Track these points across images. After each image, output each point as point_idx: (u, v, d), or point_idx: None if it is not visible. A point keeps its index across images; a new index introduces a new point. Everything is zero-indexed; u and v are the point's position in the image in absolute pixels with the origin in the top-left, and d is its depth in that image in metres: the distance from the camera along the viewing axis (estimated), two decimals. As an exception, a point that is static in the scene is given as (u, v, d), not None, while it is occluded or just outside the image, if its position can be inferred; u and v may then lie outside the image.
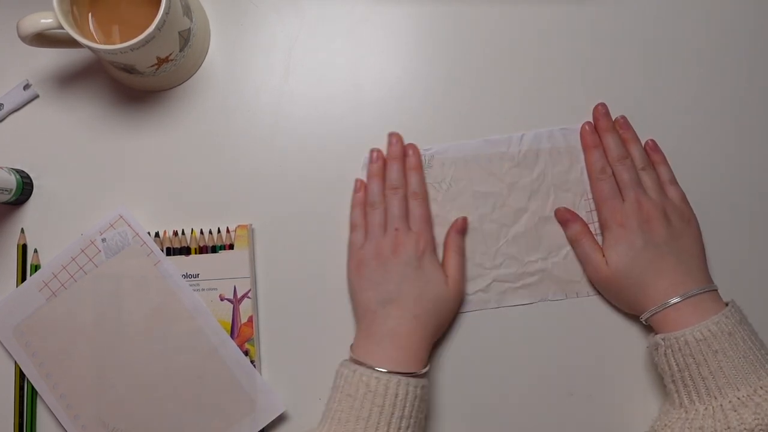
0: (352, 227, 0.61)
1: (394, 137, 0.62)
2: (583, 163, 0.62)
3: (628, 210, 0.58)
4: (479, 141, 0.62)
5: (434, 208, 0.62)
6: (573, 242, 0.61)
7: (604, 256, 0.59)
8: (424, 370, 0.55)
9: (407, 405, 0.52)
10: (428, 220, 0.60)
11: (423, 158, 0.62)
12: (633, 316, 0.61)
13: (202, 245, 0.61)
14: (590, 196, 0.62)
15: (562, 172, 0.62)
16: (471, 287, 0.61)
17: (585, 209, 0.62)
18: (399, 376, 0.53)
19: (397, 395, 0.52)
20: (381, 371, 0.53)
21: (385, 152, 0.62)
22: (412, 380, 0.53)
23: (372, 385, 0.52)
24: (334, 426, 0.52)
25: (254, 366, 0.60)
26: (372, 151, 0.62)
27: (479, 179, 0.62)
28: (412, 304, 0.56)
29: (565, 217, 0.61)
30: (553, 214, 0.62)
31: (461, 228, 0.61)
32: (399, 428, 0.52)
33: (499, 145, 0.62)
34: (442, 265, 0.60)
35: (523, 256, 0.61)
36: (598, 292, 0.61)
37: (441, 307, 0.58)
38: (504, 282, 0.61)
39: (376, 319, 0.56)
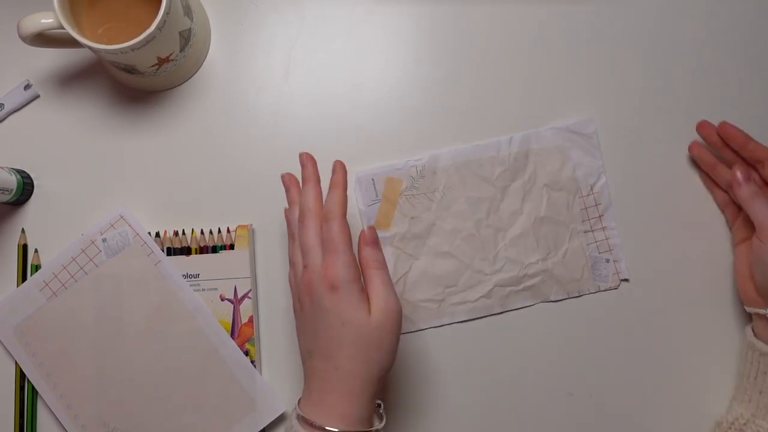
0: (290, 261, 0.56)
1: (304, 157, 0.55)
2: (574, 161, 0.62)
3: None
4: (469, 147, 0.62)
5: (429, 218, 0.62)
6: (749, 200, 0.56)
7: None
8: (373, 429, 0.50)
9: None
10: (342, 242, 0.50)
11: (414, 169, 0.62)
12: (635, 314, 0.61)
13: (202, 245, 0.61)
14: (584, 193, 0.62)
15: (554, 171, 0.62)
16: (473, 294, 0.61)
17: (579, 206, 0.62)
18: None
19: None
20: None
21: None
22: None
23: None
24: None
25: (254, 366, 0.60)
26: (282, 176, 0.56)
27: (472, 185, 0.62)
28: (332, 353, 0.50)
29: (737, 179, 0.57)
30: (548, 214, 0.61)
31: (370, 239, 0.52)
32: None
33: (489, 150, 0.62)
34: (365, 288, 0.51)
35: (523, 259, 0.61)
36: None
37: (365, 345, 0.49)
38: (506, 286, 0.61)
39: (308, 373, 0.52)
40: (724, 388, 0.60)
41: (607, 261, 0.61)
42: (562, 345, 0.61)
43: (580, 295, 0.61)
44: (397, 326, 0.51)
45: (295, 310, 0.54)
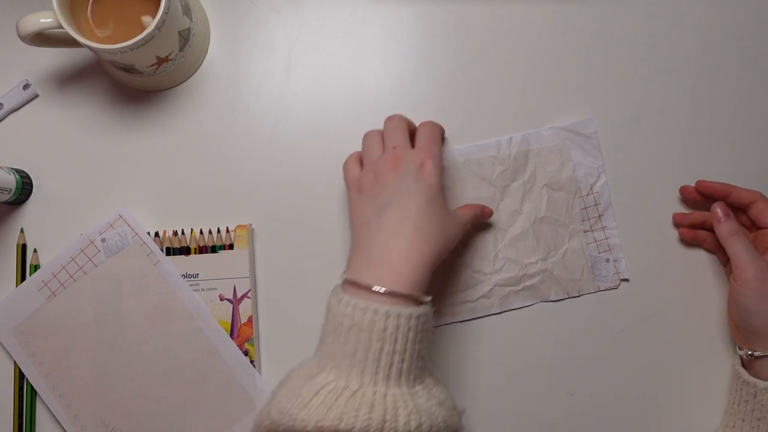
0: (345, 165, 0.57)
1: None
2: (574, 161, 0.62)
3: None
4: (468, 146, 0.62)
5: None
6: (728, 238, 0.56)
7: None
8: (426, 299, 0.48)
9: (399, 339, 0.45)
10: (436, 139, 0.54)
11: None
12: (635, 314, 0.61)
13: (201, 245, 0.61)
14: (584, 193, 0.62)
15: (554, 171, 0.62)
16: (473, 294, 0.61)
17: (579, 206, 0.62)
18: (388, 306, 0.45)
19: (385, 329, 0.45)
20: (366, 302, 0.45)
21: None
22: (404, 311, 0.45)
23: (357, 318, 0.45)
24: (324, 361, 0.47)
25: (254, 366, 0.60)
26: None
27: (472, 185, 0.62)
28: (413, 213, 0.49)
29: (717, 216, 0.57)
30: (548, 214, 0.61)
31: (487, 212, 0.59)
32: (390, 364, 0.45)
33: (489, 149, 0.62)
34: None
35: (523, 259, 0.61)
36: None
37: (447, 222, 0.51)
38: (505, 286, 0.61)
39: (368, 231, 0.50)
40: (723, 387, 0.60)
41: (607, 261, 0.61)
42: (562, 344, 0.61)
43: (580, 295, 0.61)
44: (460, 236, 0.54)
45: (358, 190, 0.53)
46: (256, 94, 0.64)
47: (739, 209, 0.59)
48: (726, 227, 0.56)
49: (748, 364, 0.56)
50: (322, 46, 0.64)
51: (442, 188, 0.52)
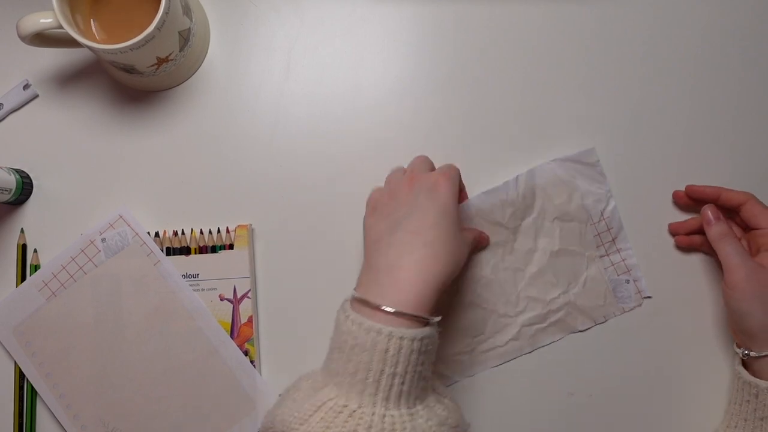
0: (371, 194, 0.56)
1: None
2: (582, 190, 0.61)
3: None
4: (479, 195, 0.61)
5: None
6: (718, 240, 0.56)
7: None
8: (434, 320, 0.47)
9: (400, 361, 0.45)
10: (454, 168, 0.54)
11: None
12: (630, 313, 0.61)
13: (202, 245, 0.61)
14: (595, 220, 0.61)
15: (562, 203, 0.61)
16: (501, 338, 0.60)
17: (592, 233, 0.61)
18: (391, 328, 0.45)
19: (387, 350, 0.44)
20: (370, 321, 0.45)
21: None
22: (407, 332, 0.45)
23: (360, 338, 0.45)
24: (327, 377, 0.47)
25: (254, 366, 0.60)
26: None
27: (486, 232, 0.61)
28: (424, 228, 0.48)
29: (707, 219, 0.57)
30: (562, 246, 0.60)
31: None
32: (390, 386, 0.45)
33: (498, 194, 0.61)
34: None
35: (544, 295, 0.61)
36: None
37: (458, 242, 0.50)
38: (532, 325, 0.61)
39: (380, 248, 0.49)
40: (722, 387, 0.60)
41: (627, 282, 0.61)
42: (563, 344, 0.61)
43: (606, 320, 0.61)
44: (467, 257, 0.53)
45: (373, 208, 0.53)
46: (256, 94, 0.64)
47: (731, 211, 0.59)
48: (716, 230, 0.56)
49: (747, 363, 0.56)
50: (322, 45, 0.64)
51: (456, 207, 0.51)
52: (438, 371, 0.60)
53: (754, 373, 0.55)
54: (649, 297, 0.61)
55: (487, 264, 0.61)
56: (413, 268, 0.47)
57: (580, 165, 0.61)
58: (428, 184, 0.51)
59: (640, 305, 0.61)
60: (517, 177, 0.61)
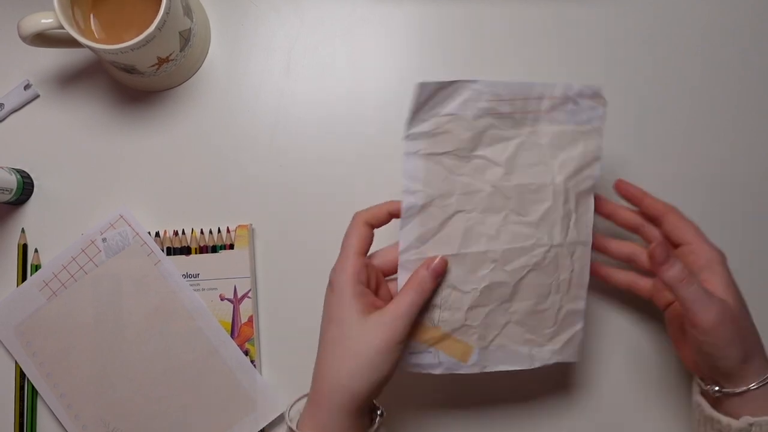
0: None
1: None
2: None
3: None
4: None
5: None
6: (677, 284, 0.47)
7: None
8: None
9: None
10: (347, 243, 0.51)
11: None
12: (628, 311, 0.61)
13: (202, 245, 0.61)
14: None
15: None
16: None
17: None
18: None
19: None
20: None
21: None
22: None
23: None
24: None
25: (254, 366, 0.60)
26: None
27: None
28: (321, 331, 0.49)
29: (658, 260, 0.47)
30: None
31: (436, 269, 0.49)
32: None
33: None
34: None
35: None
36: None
37: (357, 333, 0.47)
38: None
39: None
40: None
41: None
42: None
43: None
44: (393, 355, 0.47)
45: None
46: (256, 94, 0.64)
47: (651, 220, 0.54)
48: (674, 273, 0.47)
49: (717, 401, 0.50)
50: (322, 45, 0.64)
51: (348, 288, 0.48)
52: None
53: (724, 411, 0.49)
54: None
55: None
56: (314, 380, 0.48)
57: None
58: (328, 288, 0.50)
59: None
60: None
